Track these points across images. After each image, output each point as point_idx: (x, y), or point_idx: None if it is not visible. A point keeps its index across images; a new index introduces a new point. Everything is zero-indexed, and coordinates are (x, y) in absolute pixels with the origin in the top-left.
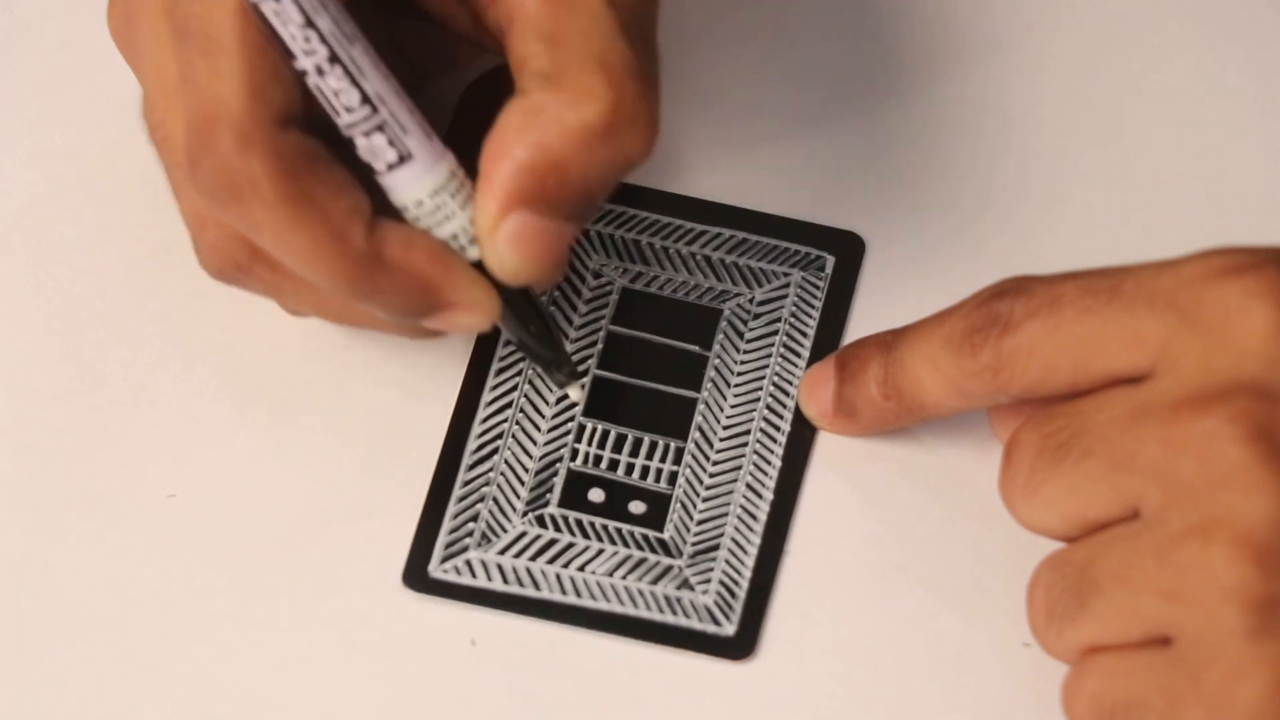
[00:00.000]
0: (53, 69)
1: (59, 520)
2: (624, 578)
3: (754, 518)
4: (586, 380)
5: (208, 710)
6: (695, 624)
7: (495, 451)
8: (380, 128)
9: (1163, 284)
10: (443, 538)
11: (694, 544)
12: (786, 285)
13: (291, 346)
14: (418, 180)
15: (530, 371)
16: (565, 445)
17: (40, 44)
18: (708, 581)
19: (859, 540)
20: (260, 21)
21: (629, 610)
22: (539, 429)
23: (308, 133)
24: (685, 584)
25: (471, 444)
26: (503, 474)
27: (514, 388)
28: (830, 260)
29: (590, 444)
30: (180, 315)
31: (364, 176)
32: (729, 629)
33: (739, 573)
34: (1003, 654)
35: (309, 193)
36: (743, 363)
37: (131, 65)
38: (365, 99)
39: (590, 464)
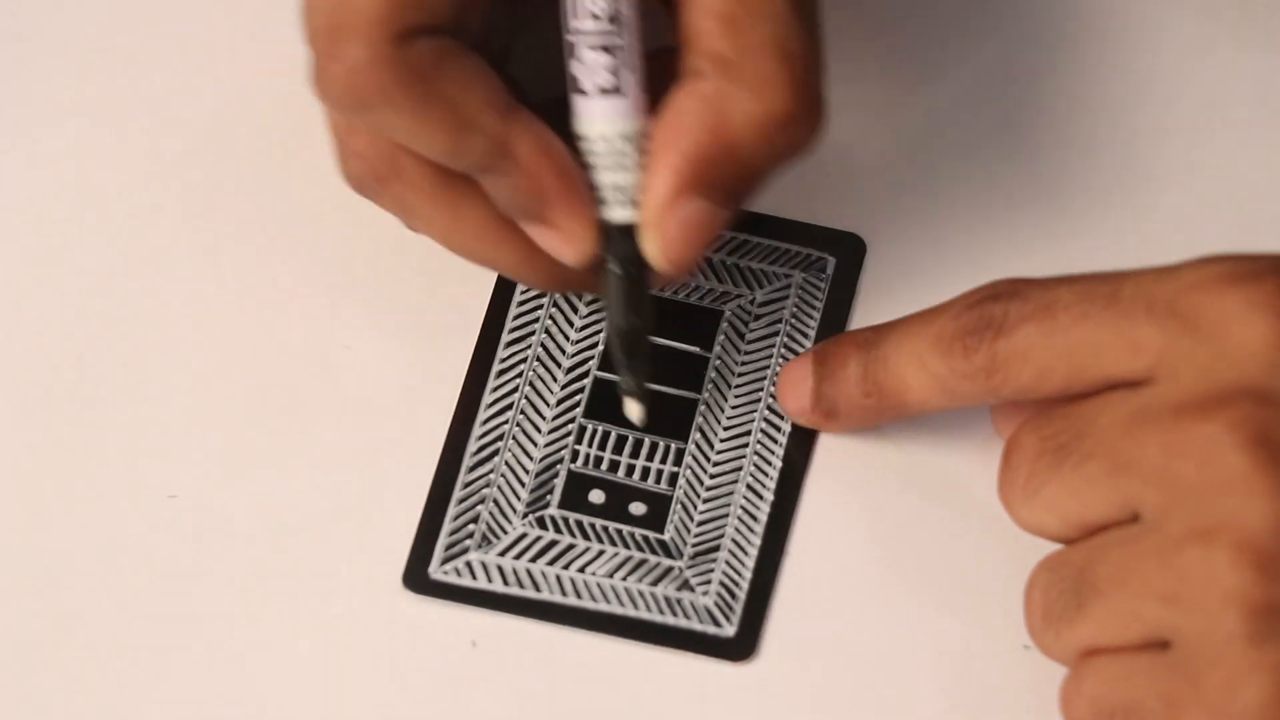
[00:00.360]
0: (53, 69)
1: (59, 520)
2: (624, 579)
3: (754, 519)
4: (640, 406)
5: (208, 711)
6: (695, 625)
7: (496, 453)
8: (609, 50)
9: (1162, 290)
10: (443, 539)
11: (694, 545)
12: (787, 286)
13: (292, 347)
14: (615, 118)
15: (531, 374)
16: (566, 447)
17: (41, 44)
18: (708, 583)
19: (859, 541)
20: None
21: (629, 611)
22: (539, 430)
23: (443, 35)
24: (685, 585)
25: (472, 445)
26: (503, 475)
27: (514, 390)
28: (831, 261)
29: (590, 445)
30: (180, 315)
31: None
32: (729, 630)
33: (739, 574)
34: (1003, 656)
35: (439, 90)
36: (744, 364)
37: None
38: (615, 16)
39: (590, 465)
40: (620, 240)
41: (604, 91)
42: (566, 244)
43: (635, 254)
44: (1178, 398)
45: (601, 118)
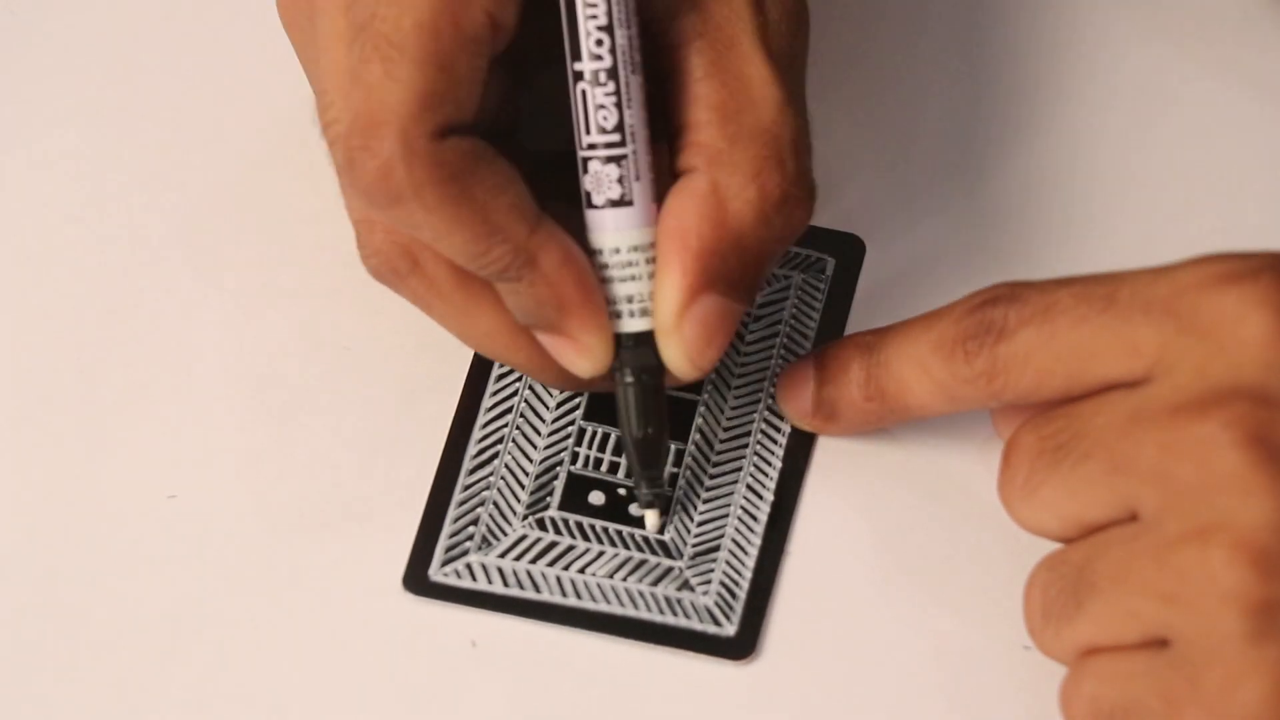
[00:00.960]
0: (53, 69)
1: (59, 520)
2: (624, 579)
3: (754, 519)
4: (658, 515)
5: (208, 711)
6: (696, 625)
7: (496, 455)
8: (618, 160)
9: (1159, 291)
10: (443, 541)
11: (694, 545)
12: (786, 287)
13: (293, 348)
14: (626, 229)
15: (530, 377)
16: (565, 449)
17: (40, 44)
18: (708, 582)
19: (859, 541)
20: (566, 8)
21: (629, 612)
22: (539, 433)
23: (474, 135)
24: (686, 585)
25: (472, 448)
26: (503, 477)
27: (514, 392)
28: (830, 262)
29: (590, 447)
30: (180, 315)
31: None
32: (729, 630)
33: (739, 573)
34: (1003, 655)
35: (469, 193)
36: (743, 364)
37: (301, 56)
38: (619, 127)
39: (590, 467)
40: (634, 350)
41: (611, 204)
42: (581, 356)
43: (649, 363)
44: (1175, 397)
45: (611, 231)
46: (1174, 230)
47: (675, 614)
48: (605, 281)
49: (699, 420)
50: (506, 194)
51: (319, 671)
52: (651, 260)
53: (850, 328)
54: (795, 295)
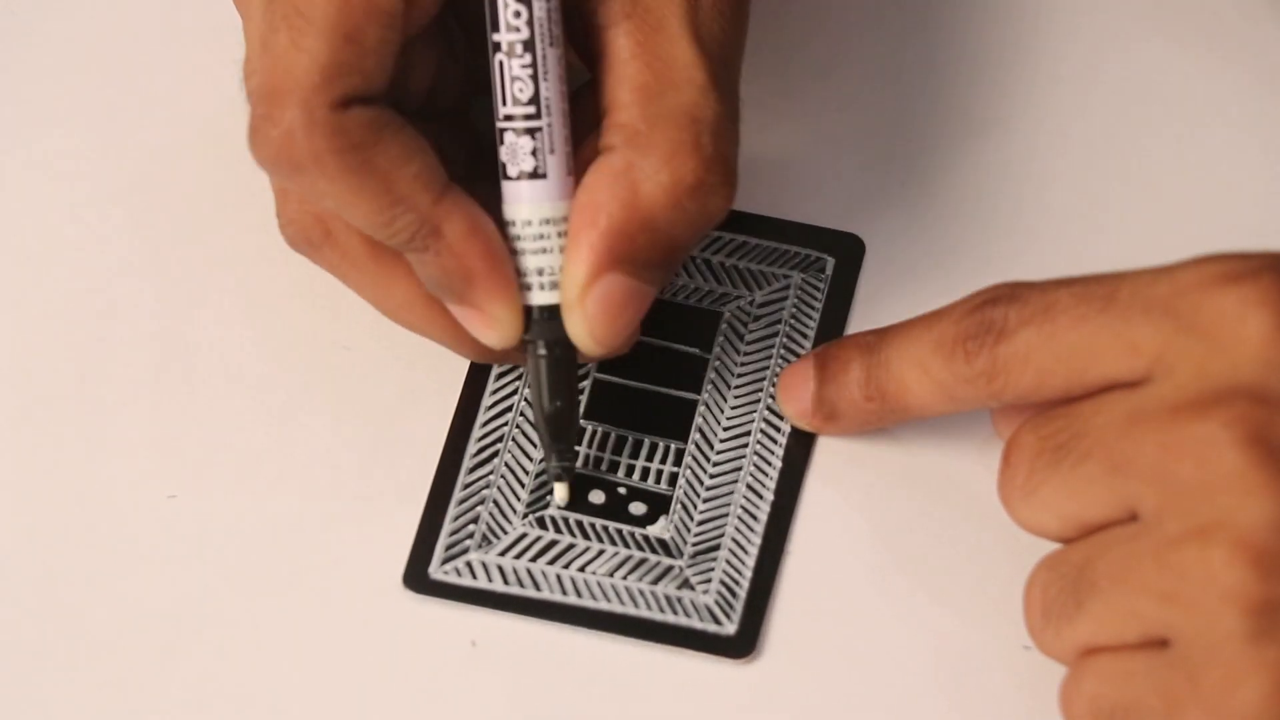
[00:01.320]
0: (53, 69)
1: (59, 520)
2: (625, 578)
3: (755, 518)
4: (566, 487)
5: (208, 712)
6: (696, 623)
7: (496, 453)
8: (532, 133)
9: (1159, 291)
10: (443, 539)
11: (695, 544)
12: (786, 287)
13: (293, 347)
14: (538, 202)
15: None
16: None
17: (40, 44)
18: (708, 581)
19: (860, 540)
20: None
21: (630, 610)
22: None
23: (380, 105)
24: (686, 584)
25: (472, 446)
26: (503, 476)
27: (514, 391)
28: (830, 262)
29: (590, 446)
30: (180, 315)
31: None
32: (730, 628)
33: (740, 572)
34: (1003, 655)
35: (372, 163)
36: (743, 364)
37: (242, 20)
38: (534, 99)
39: (590, 465)
40: (545, 323)
41: (522, 176)
42: (490, 327)
43: (560, 336)
44: (1174, 397)
45: (522, 202)
46: (1175, 229)
47: (675, 613)
48: (518, 254)
49: (699, 420)
50: (411, 164)
51: (319, 670)
52: (563, 234)
53: (851, 328)
54: (795, 295)
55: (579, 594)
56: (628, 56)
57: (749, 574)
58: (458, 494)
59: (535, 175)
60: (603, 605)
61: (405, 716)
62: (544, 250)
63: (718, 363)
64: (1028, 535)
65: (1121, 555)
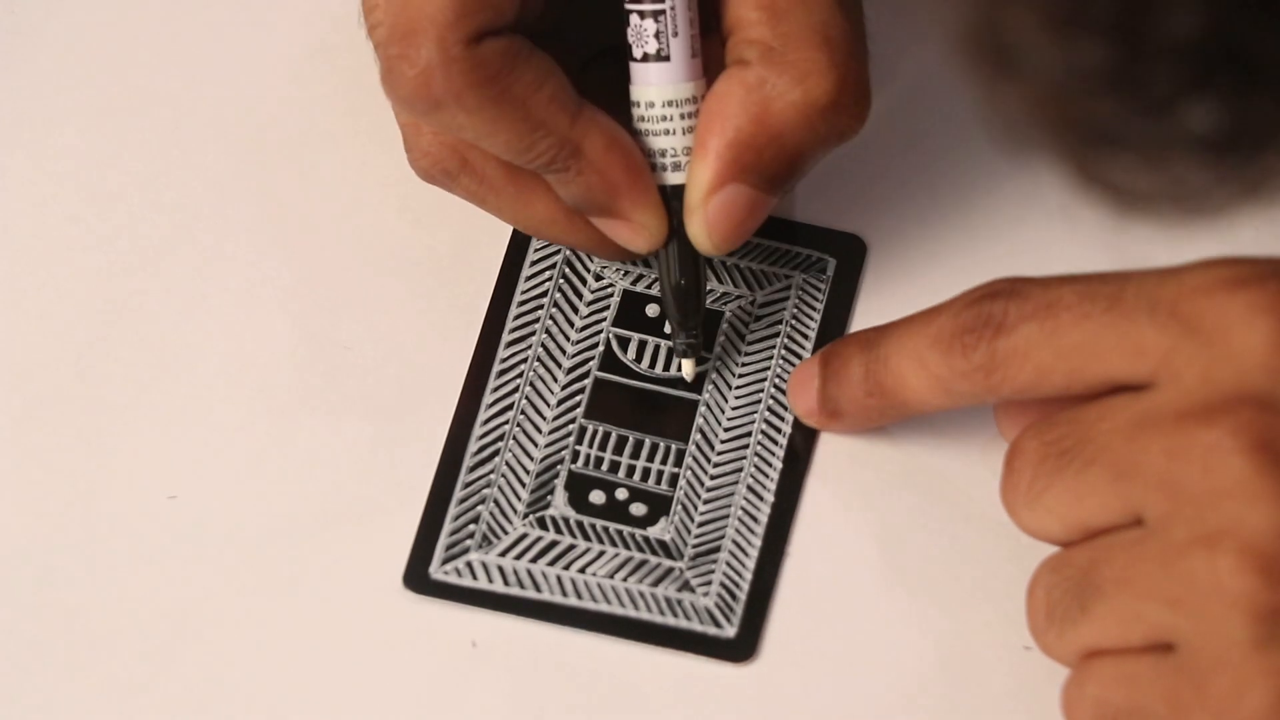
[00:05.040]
0: (53, 68)
1: (59, 520)
2: (625, 580)
3: (755, 520)
4: (699, 364)
5: (208, 711)
6: (696, 626)
7: (496, 453)
8: (657, 15)
9: (1165, 293)
10: (443, 539)
11: (695, 546)
12: (788, 287)
13: (293, 347)
14: (660, 83)
15: (531, 374)
16: (566, 447)
17: (41, 43)
18: (709, 584)
19: (860, 543)
20: None
21: (630, 612)
22: (540, 431)
23: (511, 34)
24: (686, 586)
25: (472, 446)
26: (504, 476)
27: (515, 390)
28: (831, 263)
29: (591, 446)
30: (180, 315)
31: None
32: (730, 631)
33: (740, 575)
34: (1003, 657)
35: (509, 91)
36: (744, 365)
37: None
38: None
39: (591, 466)
40: (673, 202)
41: (647, 58)
42: (636, 235)
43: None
44: (1180, 403)
45: (646, 84)
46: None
47: (675, 615)
48: (645, 134)
49: (700, 420)
50: (545, 88)
51: (320, 669)
52: (687, 116)
53: (852, 329)
54: (796, 296)
55: (579, 595)
56: None
57: (749, 576)
58: (458, 494)
59: (658, 58)
60: (603, 607)
61: (405, 717)
62: (667, 132)
63: (718, 363)
64: (1028, 538)
65: (1127, 559)
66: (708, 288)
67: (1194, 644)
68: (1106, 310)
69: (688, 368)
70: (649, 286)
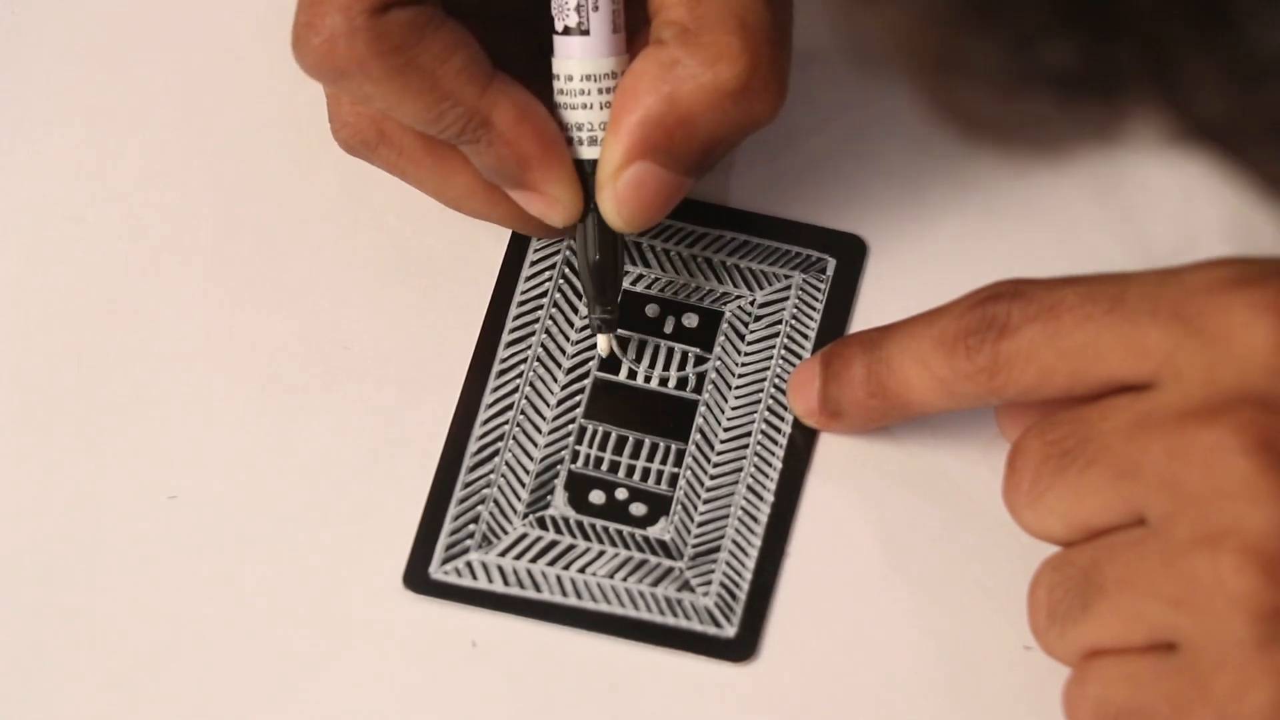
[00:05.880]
0: (53, 67)
1: (59, 520)
2: (624, 579)
3: (755, 520)
4: (612, 337)
5: (208, 711)
6: (696, 626)
7: (496, 453)
8: None
9: (1166, 294)
10: (443, 539)
11: (695, 546)
12: (788, 287)
13: (292, 347)
14: (578, 57)
15: (531, 374)
16: (566, 447)
17: (41, 43)
18: (708, 583)
19: (860, 542)
20: None
21: (629, 612)
22: (540, 431)
23: (421, 4)
24: (686, 586)
25: (472, 446)
26: (503, 476)
27: (515, 390)
28: (832, 263)
29: (591, 446)
30: (180, 315)
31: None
32: (730, 631)
33: (740, 575)
34: (1004, 656)
35: (415, 62)
36: (744, 365)
37: None
38: None
39: (591, 466)
40: (590, 177)
41: (567, 32)
42: (550, 209)
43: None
44: (1182, 403)
45: (565, 57)
46: (1175, 232)
47: (675, 615)
48: (560, 108)
49: (699, 420)
50: (455, 58)
51: (320, 669)
52: (604, 91)
53: (852, 329)
54: (796, 296)
55: (579, 595)
56: None
57: (749, 576)
58: (458, 494)
59: (580, 31)
60: (603, 607)
61: (405, 717)
62: (584, 106)
63: (718, 363)
64: (1028, 536)
65: (1129, 559)
66: (704, 288)
67: (1196, 643)
68: (1109, 311)
69: (603, 343)
70: (649, 287)
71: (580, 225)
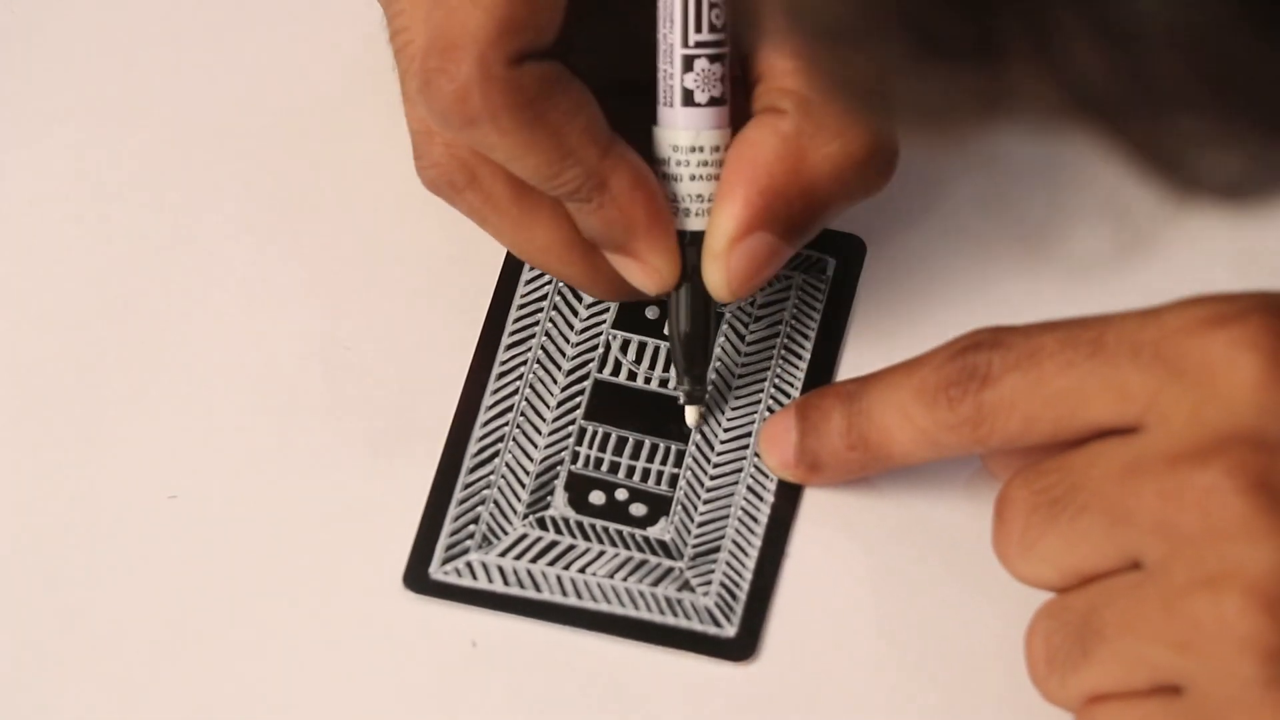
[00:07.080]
0: (53, 67)
1: (59, 520)
2: (625, 579)
3: (755, 520)
4: (700, 409)
5: (208, 711)
6: (696, 625)
7: (496, 454)
8: (722, 59)
9: (1146, 336)
10: (444, 540)
11: (695, 546)
12: (787, 287)
13: (293, 347)
14: (685, 128)
15: (531, 375)
16: (566, 448)
17: (41, 42)
18: (709, 583)
19: (860, 542)
20: None
21: (630, 612)
22: (540, 431)
23: (551, 59)
24: (686, 586)
25: (473, 446)
26: (503, 476)
27: (515, 391)
28: (831, 262)
29: (591, 447)
30: (180, 315)
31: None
32: (730, 631)
33: (740, 575)
34: (1003, 654)
35: (544, 118)
36: (744, 365)
37: None
38: (726, 26)
39: (591, 466)
40: (687, 249)
41: (714, 102)
42: (648, 277)
43: (698, 264)
44: (1171, 445)
45: (683, 128)
46: (1177, 232)
47: (675, 615)
48: (665, 178)
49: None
50: (580, 117)
51: (320, 669)
52: (709, 164)
53: (852, 329)
54: (796, 295)
55: (579, 595)
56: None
57: (749, 576)
58: (458, 494)
59: (689, 103)
60: (603, 607)
61: (405, 717)
62: (692, 177)
63: (718, 363)
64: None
65: (1127, 604)
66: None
67: (1203, 686)
68: (1089, 356)
69: (690, 415)
70: None
71: (673, 295)
